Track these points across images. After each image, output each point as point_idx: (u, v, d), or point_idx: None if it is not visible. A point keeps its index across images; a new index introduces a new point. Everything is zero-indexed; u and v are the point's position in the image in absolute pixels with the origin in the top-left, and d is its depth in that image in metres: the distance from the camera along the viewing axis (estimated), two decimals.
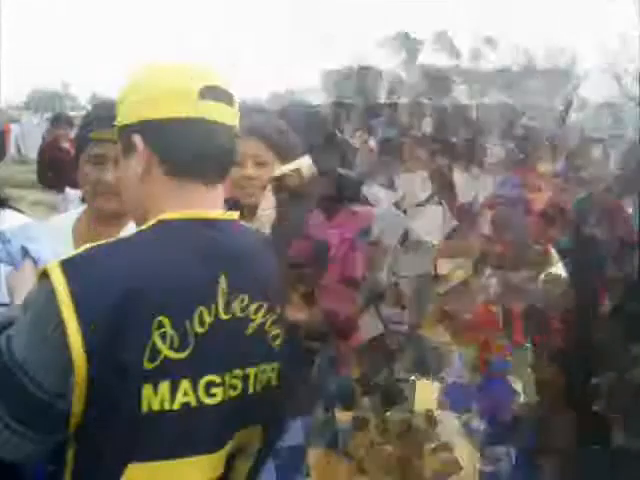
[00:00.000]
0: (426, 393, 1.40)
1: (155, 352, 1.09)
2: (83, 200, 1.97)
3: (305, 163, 2.04)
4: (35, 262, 1.46)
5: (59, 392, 1.08)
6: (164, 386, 1.11)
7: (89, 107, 4.88)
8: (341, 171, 1.55)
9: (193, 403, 1.14)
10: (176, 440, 1.14)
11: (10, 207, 1.83)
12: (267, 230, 1.12)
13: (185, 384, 1.13)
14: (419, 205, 2.12)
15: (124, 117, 1.22)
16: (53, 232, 1.78)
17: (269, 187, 2.04)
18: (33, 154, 10.86)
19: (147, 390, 1.10)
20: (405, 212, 1.52)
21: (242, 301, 1.19)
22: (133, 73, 1.26)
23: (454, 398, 1.42)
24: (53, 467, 1.19)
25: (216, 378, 1.16)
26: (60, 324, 1.06)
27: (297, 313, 1.08)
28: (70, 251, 1.16)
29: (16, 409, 1.09)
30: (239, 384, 1.20)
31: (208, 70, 1.23)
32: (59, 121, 8.41)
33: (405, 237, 1.45)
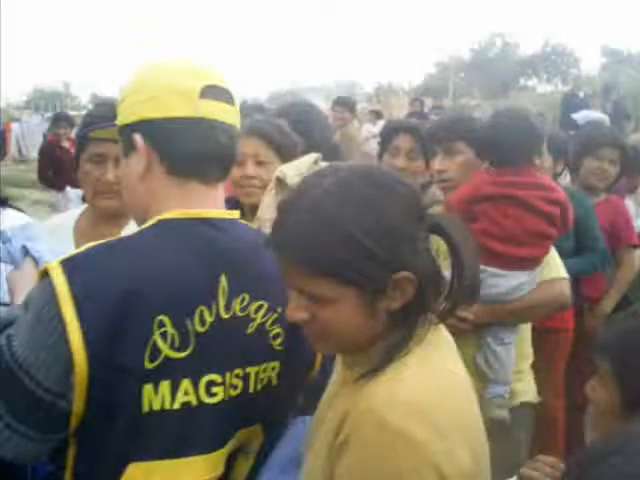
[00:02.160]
0: None
1: (156, 351, 1.09)
2: (84, 199, 1.97)
3: (306, 162, 2.04)
4: (36, 261, 1.46)
5: (60, 391, 1.08)
6: (165, 385, 1.11)
7: (90, 106, 4.87)
8: None
9: (194, 402, 1.14)
10: (176, 439, 1.14)
11: (11, 206, 1.83)
12: (268, 229, 1.12)
13: (186, 383, 1.13)
14: None
15: (125, 116, 1.22)
16: (54, 231, 1.78)
17: (270, 186, 2.04)
18: (34, 153, 10.88)
19: (148, 389, 1.09)
20: None
21: (243, 300, 1.19)
22: (134, 72, 1.25)
23: None
24: (53, 467, 1.19)
25: (217, 377, 1.16)
26: (60, 323, 1.06)
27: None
28: (71, 250, 1.16)
29: (17, 408, 1.09)
30: (240, 383, 1.20)
31: (209, 69, 1.22)
32: (60, 120, 8.41)
33: None
